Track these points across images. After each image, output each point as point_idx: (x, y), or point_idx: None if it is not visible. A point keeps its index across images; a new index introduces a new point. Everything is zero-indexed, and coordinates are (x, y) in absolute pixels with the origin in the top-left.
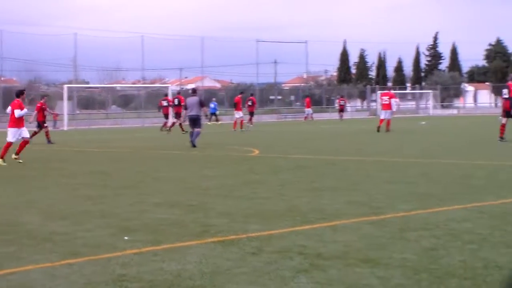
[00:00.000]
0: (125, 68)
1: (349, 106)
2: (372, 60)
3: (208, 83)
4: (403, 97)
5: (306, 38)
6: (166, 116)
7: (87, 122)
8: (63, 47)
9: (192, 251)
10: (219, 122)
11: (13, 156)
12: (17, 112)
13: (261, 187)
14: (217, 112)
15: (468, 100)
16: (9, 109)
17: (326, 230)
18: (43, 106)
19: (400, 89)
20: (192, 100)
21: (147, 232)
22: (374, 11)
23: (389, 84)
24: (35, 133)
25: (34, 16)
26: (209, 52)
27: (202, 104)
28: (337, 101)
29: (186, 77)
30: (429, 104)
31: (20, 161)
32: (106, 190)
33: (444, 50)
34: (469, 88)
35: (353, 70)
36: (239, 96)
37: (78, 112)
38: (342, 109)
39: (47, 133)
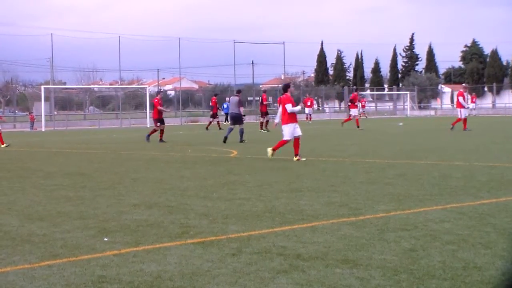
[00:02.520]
0: (102, 69)
1: (327, 107)
2: (349, 61)
3: (186, 84)
4: (380, 98)
5: (283, 39)
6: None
7: (65, 123)
8: (40, 47)
9: (171, 252)
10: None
11: None
12: None
13: (240, 188)
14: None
15: (445, 101)
16: None
17: (306, 231)
18: None
19: (377, 90)
20: (233, 99)
21: (127, 233)
22: (351, 13)
23: (367, 85)
24: None
25: (11, 16)
26: (187, 53)
27: (240, 103)
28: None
29: (163, 78)
30: (406, 105)
31: None
32: (84, 191)
33: (421, 51)
34: (446, 89)
35: (331, 71)
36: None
37: (55, 113)
38: (265, 111)
39: None
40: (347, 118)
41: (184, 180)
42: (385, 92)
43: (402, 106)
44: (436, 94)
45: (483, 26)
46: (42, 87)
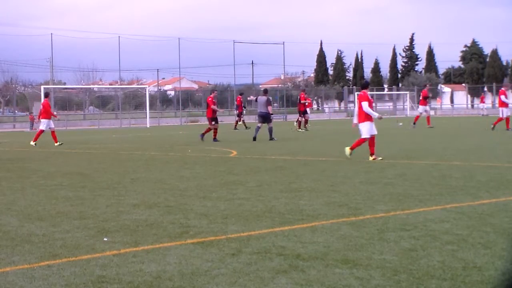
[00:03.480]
0: (102, 69)
1: (326, 107)
2: (349, 61)
3: (185, 84)
4: (380, 98)
5: (283, 39)
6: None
7: (65, 123)
8: (40, 47)
9: (171, 252)
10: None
11: None
12: None
13: (240, 188)
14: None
15: (445, 101)
16: None
17: (305, 231)
18: None
19: (377, 90)
20: (262, 99)
21: (126, 233)
22: (350, 13)
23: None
24: None
25: (11, 16)
26: (186, 53)
27: (269, 103)
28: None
29: (163, 78)
30: (406, 105)
31: None
32: (84, 191)
33: (421, 51)
34: (446, 89)
35: (331, 71)
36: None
37: (55, 113)
38: (303, 110)
39: None
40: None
41: (184, 180)
42: (385, 92)
43: (402, 106)
44: (436, 94)
45: (483, 26)
46: (42, 87)
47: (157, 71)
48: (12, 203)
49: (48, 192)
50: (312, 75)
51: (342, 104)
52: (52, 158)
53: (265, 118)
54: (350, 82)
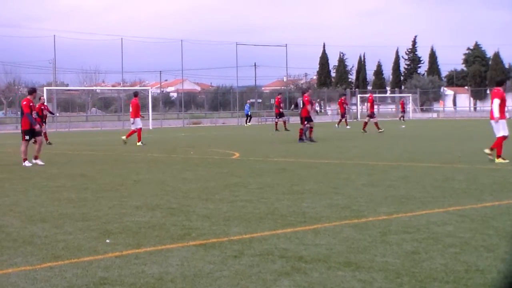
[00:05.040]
0: (104, 71)
1: (329, 109)
2: (351, 63)
3: (188, 86)
4: (383, 100)
5: (286, 41)
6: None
7: (67, 124)
8: (43, 49)
9: (173, 254)
10: (248, 124)
11: None
12: None
13: (242, 190)
14: (250, 113)
15: (448, 104)
16: None
17: (308, 233)
18: None
19: (379, 92)
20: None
21: (128, 235)
22: (353, 15)
23: (369, 87)
24: None
25: (14, 18)
26: (189, 55)
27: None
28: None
29: (166, 80)
30: (409, 107)
31: None
32: (86, 193)
33: (423, 54)
34: (448, 92)
35: (333, 74)
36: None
37: (58, 114)
38: (280, 112)
39: None
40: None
41: (186, 182)
42: (388, 94)
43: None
44: (438, 97)
45: (486, 29)
46: (45, 88)
47: (160, 73)
48: (15, 205)
49: (50, 193)
50: (314, 77)
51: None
52: (55, 160)
53: (307, 118)
54: (353, 85)
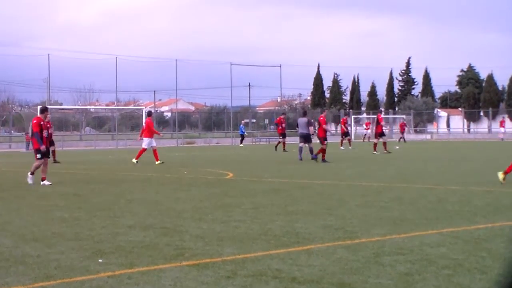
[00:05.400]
0: (98, 90)
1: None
2: (346, 84)
3: (182, 105)
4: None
5: (280, 62)
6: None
7: (61, 143)
8: (37, 67)
9: (166, 274)
10: (242, 145)
11: None
12: None
13: (236, 210)
14: (245, 134)
15: (441, 125)
16: None
17: (301, 254)
18: None
19: (373, 113)
20: (302, 120)
21: (121, 255)
22: (347, 36)
23: (363, 108)
24: None
25: (7, 36)
26: (183, 75)
27: (310, 124)
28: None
29: (160, 100)
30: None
31: None
32: (79, 212)
33: (417, 75)
34: (442, 113)
35: (327, 94)
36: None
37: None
38: (282, 132)
39: None
40: None
41: (180, 202)
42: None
43: (398, 130)
44: (432, 118)
45: (479, 51)
46: (39, 107)
47: (154, 93)
48: (7, 224)
49: (43, 213)
50: (309, 97)
51: (339, 127)
52: (48, 179)
53: (306, 138)
54: (347, 105)
